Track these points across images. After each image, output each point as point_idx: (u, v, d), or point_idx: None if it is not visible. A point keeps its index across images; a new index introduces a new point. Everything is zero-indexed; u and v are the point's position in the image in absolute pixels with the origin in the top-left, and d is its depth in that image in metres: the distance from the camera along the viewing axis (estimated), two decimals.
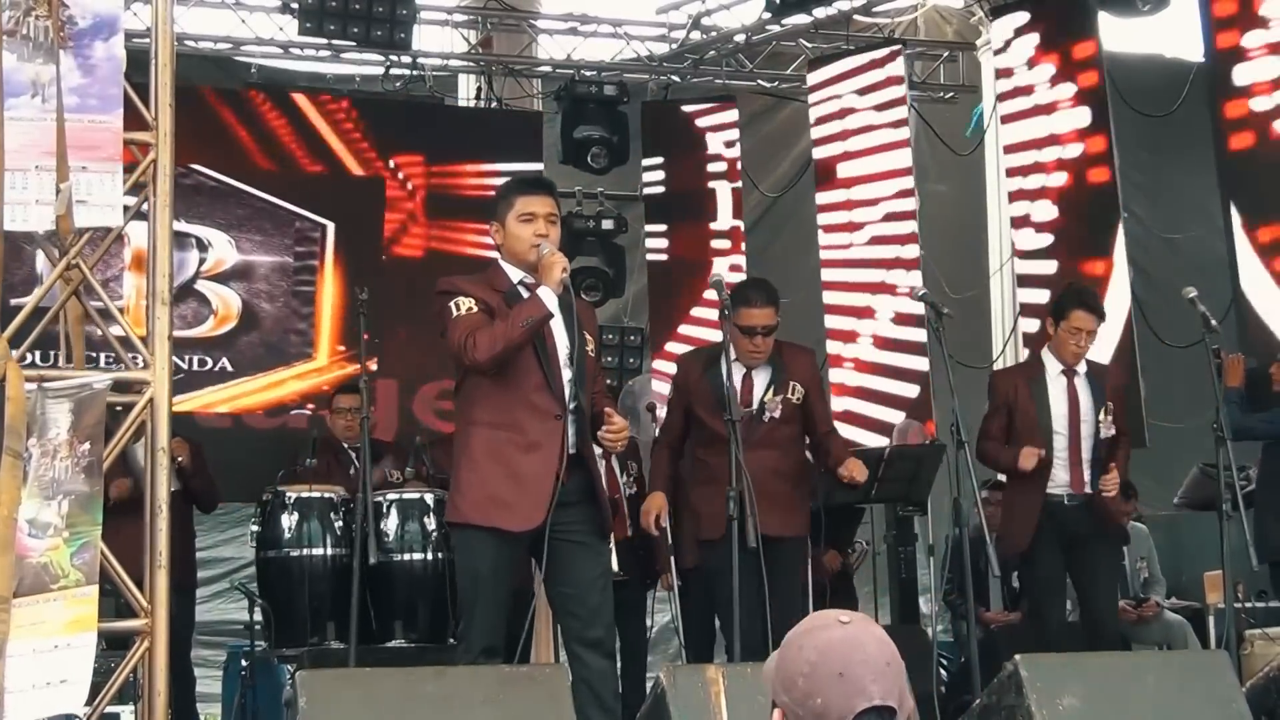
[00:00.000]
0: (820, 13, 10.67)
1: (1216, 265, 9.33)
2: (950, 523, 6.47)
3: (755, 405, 6.01)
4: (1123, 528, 6.66)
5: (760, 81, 11.84)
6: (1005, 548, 6.56)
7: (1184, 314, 6.73)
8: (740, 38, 11.32)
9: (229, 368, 10.26)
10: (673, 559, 6.81)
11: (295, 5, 10.08)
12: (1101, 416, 6.41)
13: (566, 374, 4.97)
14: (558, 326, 4.97)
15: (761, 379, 6.07)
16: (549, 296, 4.89)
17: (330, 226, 10.56)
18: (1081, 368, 6.52)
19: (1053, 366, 6.53)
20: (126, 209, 4.24)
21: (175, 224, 10.05)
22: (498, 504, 4.90)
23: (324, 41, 10.29)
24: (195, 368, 10.17)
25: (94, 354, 4.55)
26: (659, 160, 11.19)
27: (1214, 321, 6.38)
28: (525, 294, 5.00)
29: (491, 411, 4.96)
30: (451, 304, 4.98)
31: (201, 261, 10.23)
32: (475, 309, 4.95)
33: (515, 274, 5.04)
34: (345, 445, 7.78)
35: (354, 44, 10.23)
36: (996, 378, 6.91)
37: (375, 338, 10.13)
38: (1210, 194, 9.61)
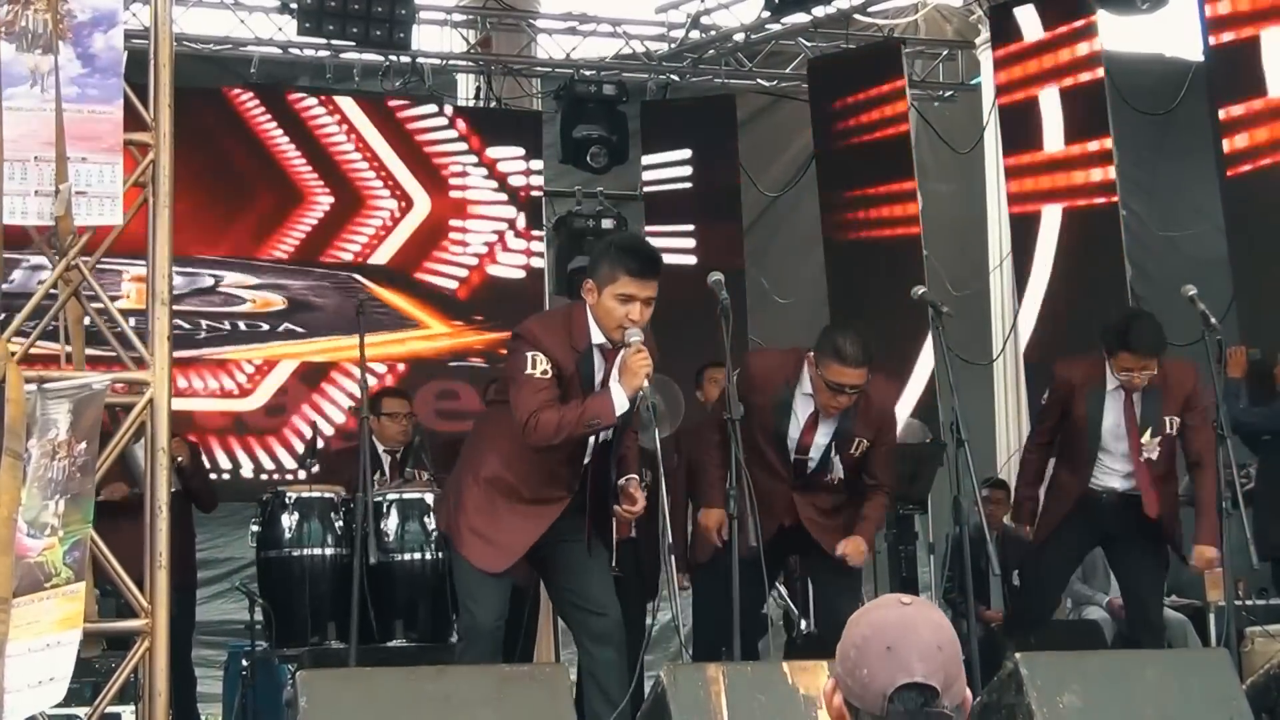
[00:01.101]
0: (819, 12, 10.67)
1: (1216, 263, 9.33)
2: (951, 521, 6.46)
3: (815, 454, 5.72)
4: (1174, 532, 6.39)
5: (759, 80, 11.83)
6: (1036, 536, 6.50)
7: (1184, 312, 6.71)
8: (739, 37, 11.32)
9: (297, 329, 10.18)
10: (674, 557, 6.79)
11: (294, 5, 10.08)
12: (1146, 439, 6.15)
13: (603, 435, 4.95)
14: (619, 397, 4.85)
15: (828, 427, 5.73)
16: (620, 400, 4.74)
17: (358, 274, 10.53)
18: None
19: (1111, 380, 6.17)
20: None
21: (179, 268, 9.91)
22: (481, 539, 4.97)
23: (323, 41, 10.29)
24: (243, 327, 10.09)
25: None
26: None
27: (1214, 320, 6.35)
28: (600, 360, 4.91)
29: (513, 453, 4.95)
30: (529, 356, 4.84)
31: (217, 283, 10.17)
32: (549, 374, 4.81)
33: (597, 335, 4.90)
34: (384, 449, 7.67)
35: (353, 44, 10.23)
36: (1060, 368, 6.46)
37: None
38: (1210, 192, 9.61)
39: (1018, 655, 4.98)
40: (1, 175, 3.94)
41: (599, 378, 4.90)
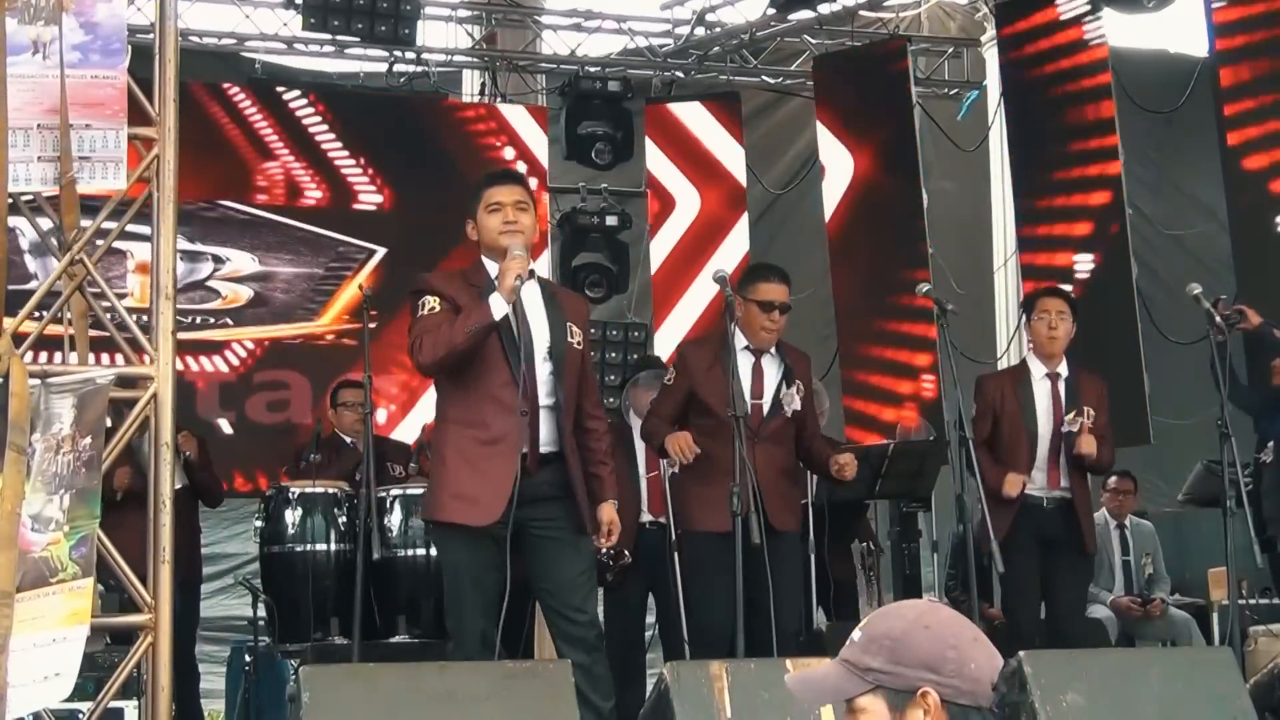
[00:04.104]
0: (824, 9, 10.66)
1: (1221, 262, 9.32)
2: (954, 518, 6.46)
3: (769, 397, 5.95)
4: (1093, 539, 6.72)
5: (764, 77, 11.83)
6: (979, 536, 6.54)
7: (1188, 310, 6.72)
8: (744, 33, 11.31)
9: (230, 324, 10.40)
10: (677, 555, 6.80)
11: (299, 1, 10.08)
12: (1070, 417, 6.41)
13: (546, 368, 4.97)
14: (537, 321, 4.98)
15: (772, 371, 6.00)
16: (498, 304, 4.84)
17: (380, 251, 10.58)
18: (1064, 370, 6.51)
19: (1037, 370, 6.55)
20: (128, 204, 4.24)
21: (190, 245, 10.32)
22: (462, 499, 4.93)
23: (328, 37, 10.30)
24: (197, 324, 10.26)
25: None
26: None
27: (1218, 318, 6.37)
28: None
29: (460, 408, 4.99)
30: (418, 303, 5.01)
31: (215, 270, 10.33)
32: (438, 309, 4.95)
33: (493, 268, 5.02)
34: (349, 441, 7.79)
35: (358, 40, 10.24)
36: (984, 382, 6.80)
37: None
38: (1215, 190, 9.60)
39: (1021, 653, 4.98)
40: (5, 163, 3.91)
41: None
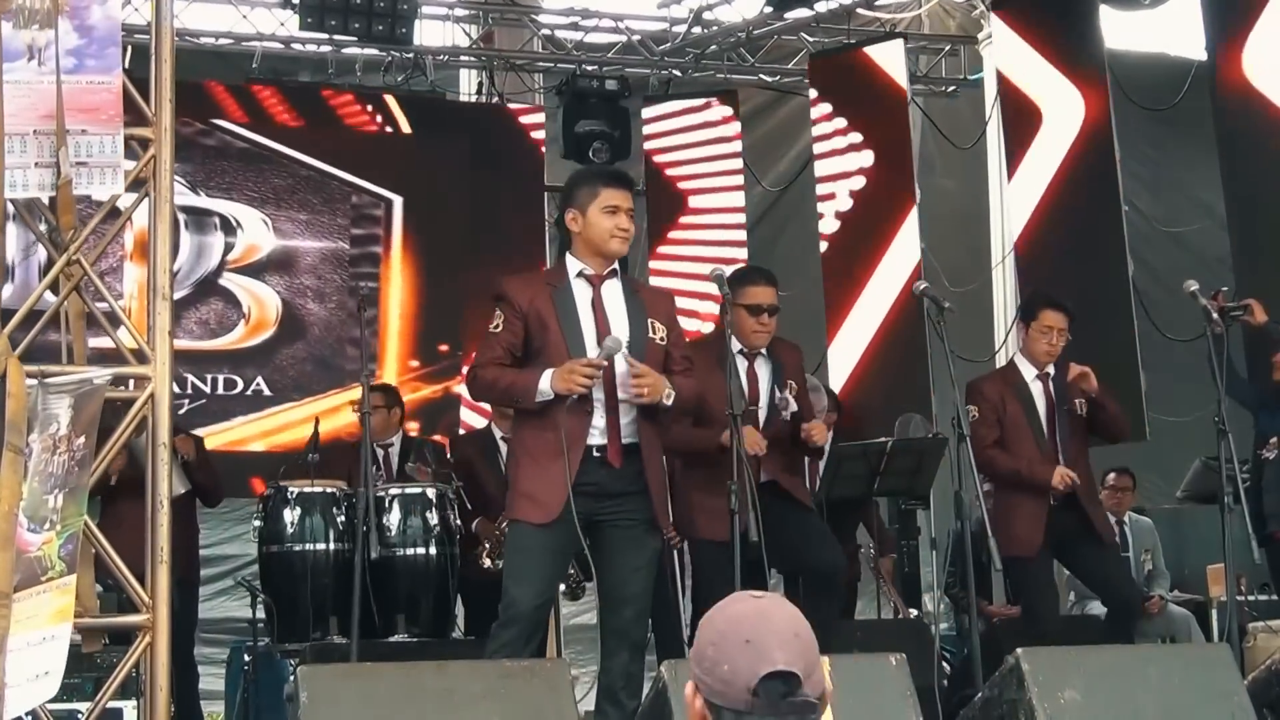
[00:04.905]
0: (822, 7, 10.66)
1: (1219, 259, 9.33)
2: (953, 516, 6.46)
3: (764, 402, 5.96)
4: (1106, 525, 6.71)
5: (762, 76, 11.83)
6: (1005, 549, 6.51)
7: (1185, 308, 6.72)
8: (741, 32, 11.31)
9: (265, 391, 9.58)
10: (675, 553, 6.80)
11: (296, 0, 10.09)
12: (1078, 405, 6.44)
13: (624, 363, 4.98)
14: (616, 316, 5.00)
15: (765, 374, 6.04)
16: (545, 390, 4.86)
17: (397, 201, 10.40)
18: (1050, 369, 6.52)
19: (1028, 371, 6.53)
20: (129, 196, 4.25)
21: (195, 200, 9.90)
22: (527, 498, 4.96)
23: (325, 36, 10.31)
24: (221, 390, 9.54)
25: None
26: None
27: (1215, 315, 6.37)
28: (578, 288, 5.03)
29: (531, 410, 5.00)
30: (495, 312, 5.08)
31: (228, 248, 9.96)
32: (500, 329, 5.00)
33: (576, 265, 5.06)
34: (374, 444, 7.70)
35: (355, 39, 10.24)
36: (983, 385, 6.65)
37: None
38: (1212, 188, 9.61)
39: (1019, 650, 4.98)
40: (2, 159, 3.91)
41: (582, 306, 5.01)
